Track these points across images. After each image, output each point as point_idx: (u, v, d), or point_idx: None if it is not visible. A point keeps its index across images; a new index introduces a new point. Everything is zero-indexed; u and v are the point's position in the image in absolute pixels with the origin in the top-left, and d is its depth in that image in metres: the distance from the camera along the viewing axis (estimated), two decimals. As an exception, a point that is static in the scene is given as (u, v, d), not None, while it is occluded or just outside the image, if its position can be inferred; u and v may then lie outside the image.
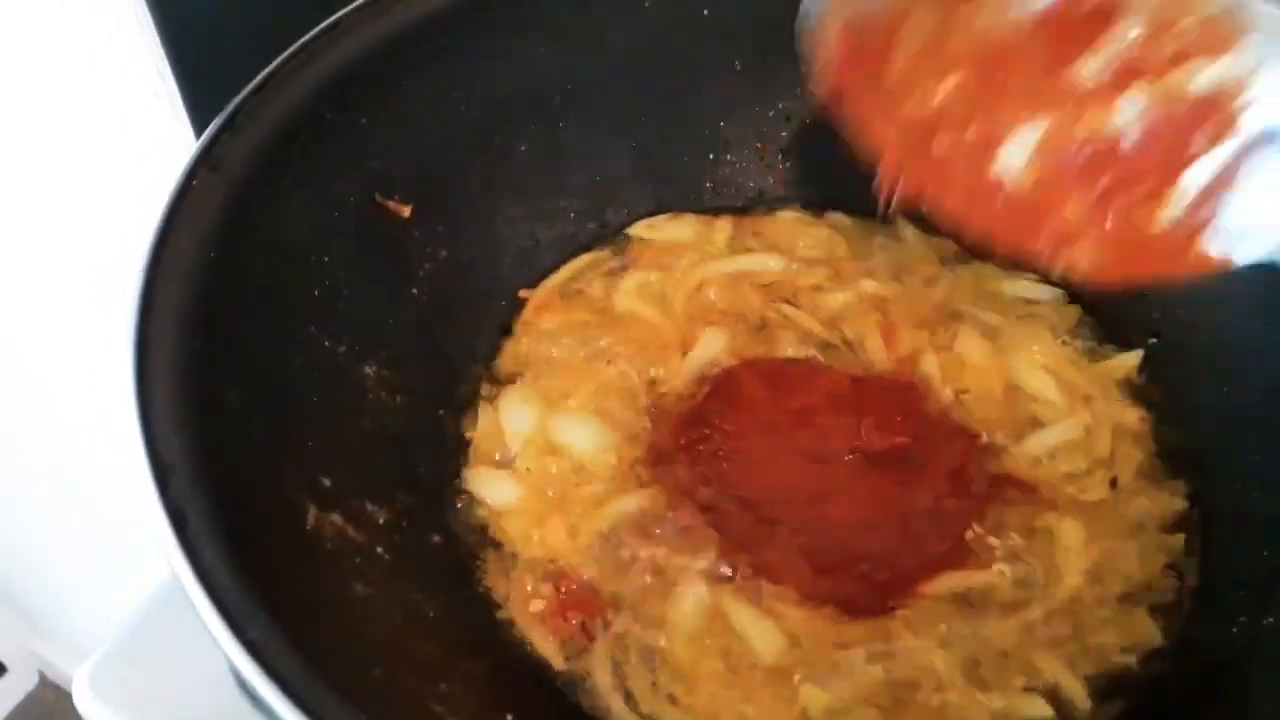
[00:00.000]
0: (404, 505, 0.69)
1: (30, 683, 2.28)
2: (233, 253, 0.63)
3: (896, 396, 0.77)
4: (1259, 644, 0.63)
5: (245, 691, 0.73)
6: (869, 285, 0.85)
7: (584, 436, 0.76)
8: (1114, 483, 0.73)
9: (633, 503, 0.72)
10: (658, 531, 0.72)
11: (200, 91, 0.79)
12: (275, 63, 0.70)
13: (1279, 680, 0.60)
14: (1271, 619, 0.63)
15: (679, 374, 0.80)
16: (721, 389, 0.78)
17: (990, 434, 0.76)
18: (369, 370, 0.72)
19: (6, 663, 2.22)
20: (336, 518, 0.62)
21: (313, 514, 0.60)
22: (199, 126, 0.79)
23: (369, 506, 0.66)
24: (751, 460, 0.74)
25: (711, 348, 0.81)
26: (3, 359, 1.29)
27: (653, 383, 0.80)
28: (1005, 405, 0.77)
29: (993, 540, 0.70)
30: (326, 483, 0.63)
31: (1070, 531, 0.71)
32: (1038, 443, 0.75)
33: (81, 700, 0.75)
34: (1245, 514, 0.70)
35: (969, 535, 0.70)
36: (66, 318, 1.09)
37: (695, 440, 0.75)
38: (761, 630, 0.67)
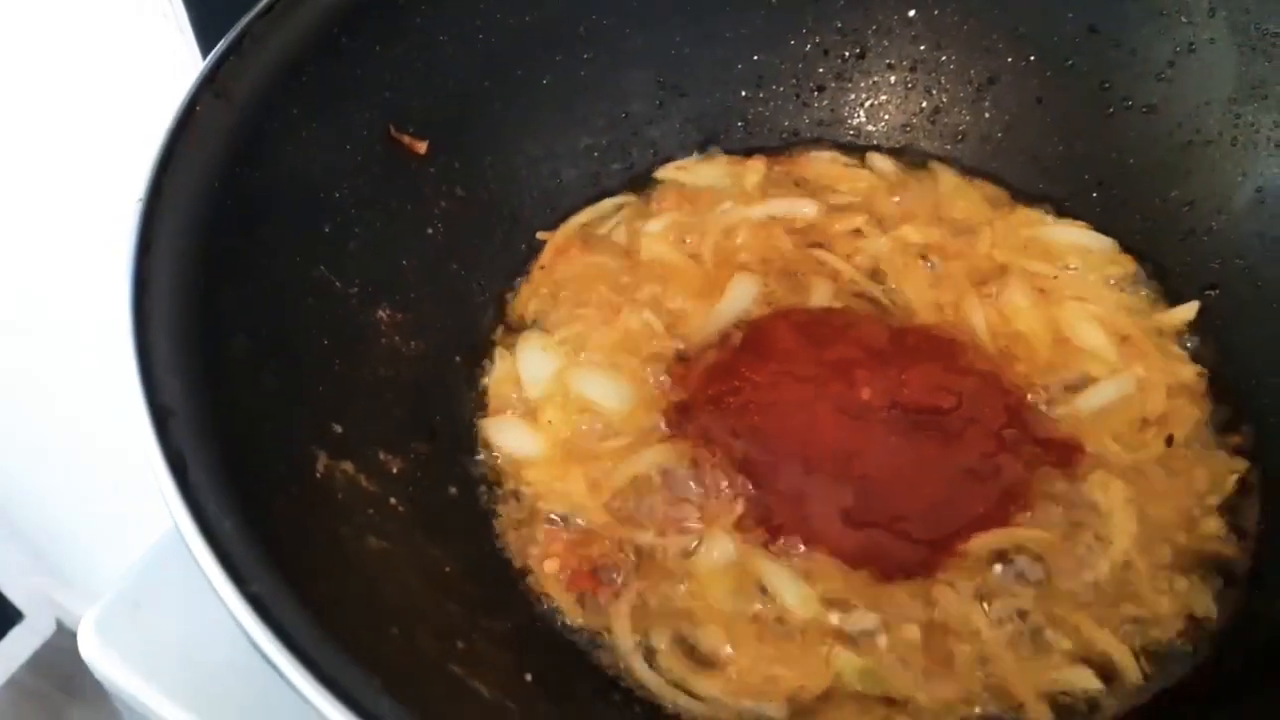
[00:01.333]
0: (419, 455, 0.65)
1: (48, 629, 2.29)
2: (239, 184, 0.59)
3: (940, 350, 0.73)
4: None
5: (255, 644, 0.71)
6: (910, 232, 0.80)
7: (605, 389, 0.73)
8: (1169, 441, 0.69)
9: (657, 456, 0.69)
10: (684, 486, 0.68)
11: (207, 12, 0.75)
12: (284, -17, 0.66)
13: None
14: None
15: (707, 323, 0.76)
16: (753, 339, 0.74)
17: (1039, 389, 0.72)
18: (382, 314, 0.69)
19: (24, 609, 2.23)
20: (348, 466, 0.59)
21: (323, 461, 0.57)
22: (206, 50, 0.75)
23: (382, 455, 0.62)
24: (784, 414, 0.70)
25: (742, 296, 0.77)
26: (15, 297, 1.27)
27: (679, 333, 0.76)
28: (1055, 359, 0.73)
29: (1040, 501, 0.66)
30: (338, 429, 0.60)
31: (1118, 494, 0.67)
32: (1089, 399, 0.71)
33: (87, 648, 0.73)
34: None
35: (1015, 496, 0.66)
36: (74, 250, 1.05)
37: (724, 392, 0.71)
38: (793, 586, 0.64)
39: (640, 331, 0.75)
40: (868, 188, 0.84)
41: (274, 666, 0.41)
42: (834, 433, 0.69)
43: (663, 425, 0.71)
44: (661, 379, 0.73)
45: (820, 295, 0.77)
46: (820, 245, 0.80)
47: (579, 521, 0.67)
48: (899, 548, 0.65)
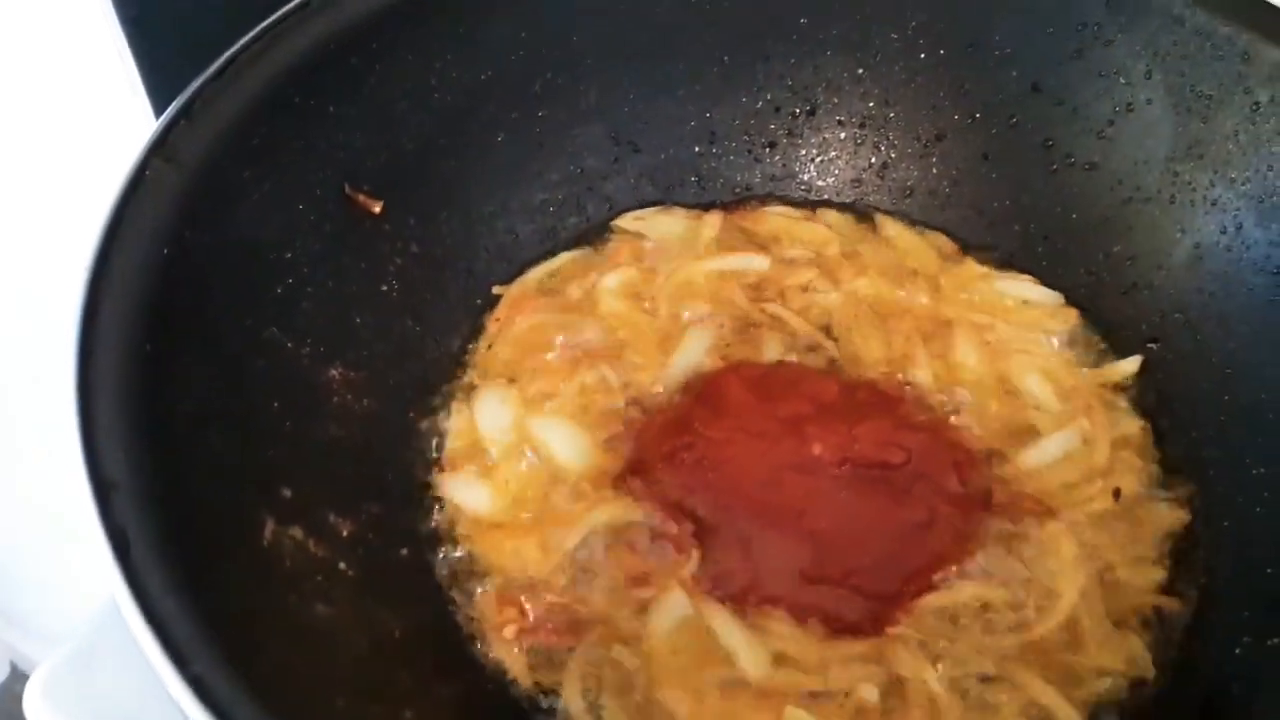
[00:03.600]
0: (370, 516, 0.65)
1: (2, 673, 2.24)
2: (187, 249, 0.59)
3: (889, 405, 0.74)
4: (1263, 666, 0.61)
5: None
6: (862, 286, 0.81)
7: (562, 442, 0.73)
8: (1117, 494, 0.70)
9: (609, 514, 0.69)
10: (635, 544, 0.68)
11: (161, 75, 0.75)
12: (236, 46, 0.66)
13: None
14: (1277, 639, 0.61)
15: (661, 378, 0.77)
16: (705, 395, 0.75)
17: (987, 443, 0.73)
18: (334, 373, 0.69)
19: (-24, 654, 2.18)
20: (297, 531, 0.58)
21: (270, 528, 0.56)
22: (160, 111, 0.75)
23: (332, 518, 0.62)
24: (737, 470, 0.70)
25: (695, 350, 0.78)
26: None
27: (633, 387, 0.76)
28: (1003, 413, 0.75)
29: (990, 553, 0.67)
30: (286, 493, 0.59)
31: (1068, 547, 0.68)
32: (1037, 453, 0.72)
33: (32, 708, 0.72)
34: (1249, 529, 0.67)
35: (962, 550, 0.67)
36: (16, 317, 1.04)
37: (677, 448, 0.71)
38: (748, 645, 0.64)
39: (596, 386, 0.76)
40: (820, 241, 0.86)
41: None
42: (787, 489, 0.70)
43: (617, 481, 0.71)
44: (615, 434, 0.74)
45: (772, 350, 0.78)
46: (772, 299, 0.81)
47: (530, 582, 0.66)
48: (851, 603, 0.65)
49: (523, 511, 0.70)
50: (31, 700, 0.73)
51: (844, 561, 0.67)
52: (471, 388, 0.76)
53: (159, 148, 0.61)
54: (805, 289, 0.81)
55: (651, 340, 0.79)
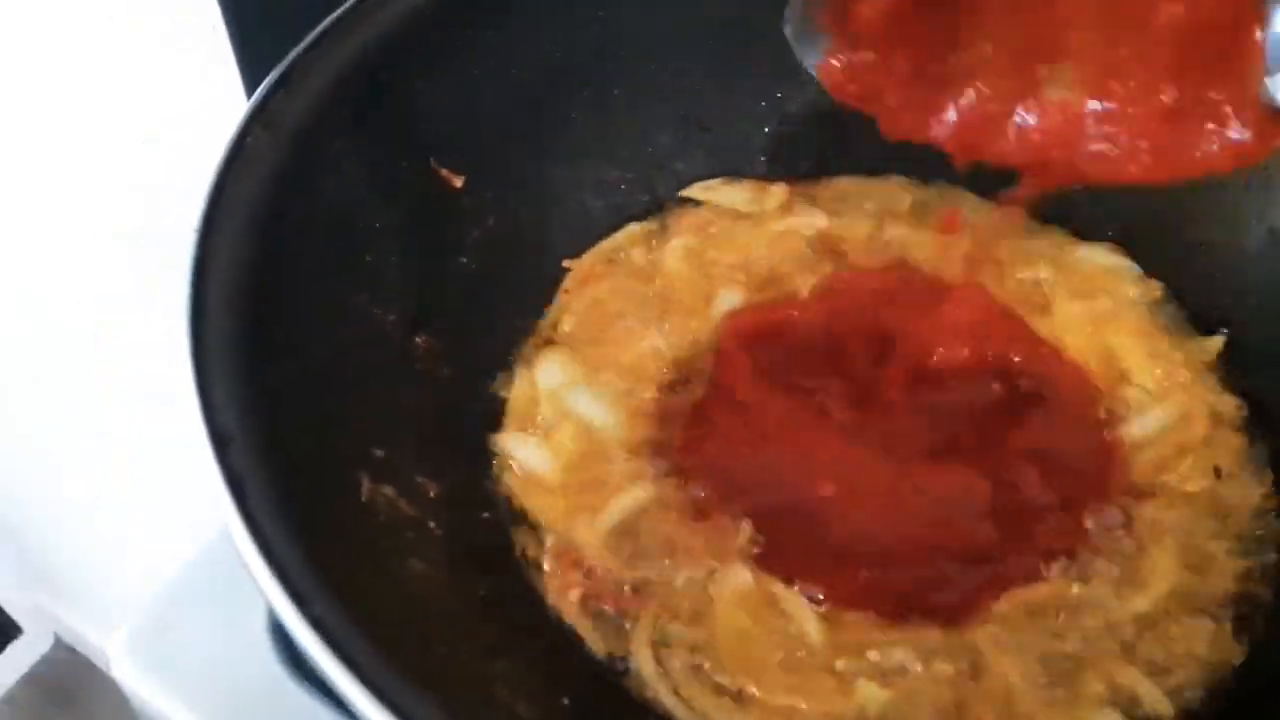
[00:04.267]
0: (454, 479, 0.67)
1: (45, 645, 2.29)
2: (285, 215, 0.61)
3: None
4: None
5: (284, 659, 0.72)
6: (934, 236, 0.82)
7: (601, 413, 0.74)
8: (1218, 472, 0.69)
9: (650, 490, 0.70)
10: (683, 517, 0.69)
11: (254, 47, 0.77)
12: (329, 19, 0.68)
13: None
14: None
15: (704, 336, 0.78)
16: (751, 364, 0.75)
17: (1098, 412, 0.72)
18: (418, 340, 0.70)
19: (22, 624, 2.22)
20: (389, 490, 0.60)
21: (366, 485, 0.58)
22: (251, 84, 0.77)
23: (419, 479, 0.64)
24: (790, 441, 0.71)
25: (729, 298, 0.79)
26: (48, 322, 1.28)
27: (683, 351, 0.77)
28: (1102, 384, 0.74)
29: (1079, 538, 0.67)
30: (379, 453, 0.61)
31: (1162, 533, 0.67)
32: (1138, 426, 0.71)
33: (119, 667, 0.74)
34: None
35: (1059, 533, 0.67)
36: (116, 280, 1.07)
37: (712, 429, 0.72)
38: (814, 616, 0.64)
39: (651, 356, 0.77)
40: (890, 197, 0.86)
41: (335, 688, 0.42)
42: (847, 460, 0.71)
43: (664, 454, 0.72)
44: (662, 405, 0.74)
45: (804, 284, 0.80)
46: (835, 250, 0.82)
47: (583, 551, 0.67)
48: (929, 603, 0.65)
49: (574, 477, 0.71)
50: (118, 658, 0.75)
51: (912, 547, 0.67)
52: (536, 355, 0.78)
53: (259, 115, 0.63)
54: (869, 238, 0.82)
55: (703, 299, 0.80)
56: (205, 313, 0.53)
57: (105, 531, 1.69)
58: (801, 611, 0.65)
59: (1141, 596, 0.64)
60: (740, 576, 0.66)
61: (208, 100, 0.80)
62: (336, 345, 0.63)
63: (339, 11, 0.68)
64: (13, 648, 2.23)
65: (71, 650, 2.28)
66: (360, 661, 0.43)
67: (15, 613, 2.20)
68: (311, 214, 0.63)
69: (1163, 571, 0.65)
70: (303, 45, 0.66)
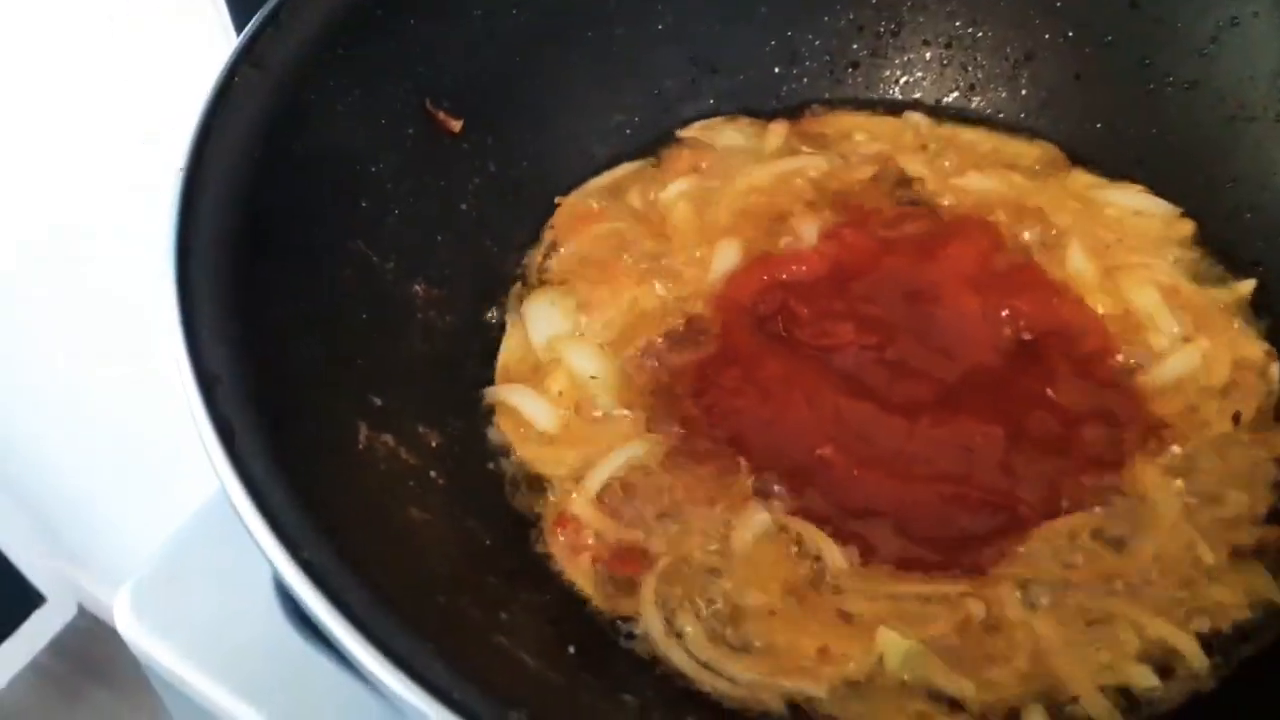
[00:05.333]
0: (455, 429, 0.65)
1: (69, 612, 2.31)
2: (277, 156, 0.59)
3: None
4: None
5: (289, 614, 0.71)
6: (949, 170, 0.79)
7: (598, 363, 0.71)
8: (1237, 418, 0.67)
9: (647, 445, 0.67)
10: (683, 467, 0.66)
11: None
12: (320, -44, 0.66)
13: None
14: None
15: (705, 286, 0.75)
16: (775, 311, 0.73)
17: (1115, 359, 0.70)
18: (418, 288, 0.68)
19: (46, 592, 2.24)
20: (388, 438, 0.58)
21: (364, 433, 0.57)
22: (240, 21, 0.75)
23: (421, 429, 0.62)
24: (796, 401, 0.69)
25: (729, 255, 0.76)
26: (40, 271, 1.26)
27: (683, 297, 0.74)
28: (1121, 329, 0.71)
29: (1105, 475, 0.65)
30: (377, 402, 0.59)
31: (1162, 479, 0.65)
32: (1159, 371, 0.69)
33: (123, 622, 0.73)
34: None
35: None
36: (108, 221, 1.05)
37: (712, 384, 0.70)
38: (837, 549, 0.62)
39: (648, 300, 0.74)
40: (893, 133, 0.83)
41: (328, 633, 0.41)
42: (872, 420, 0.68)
43: (661, 410, 0.69)
44: (665, 353, 0.72)
45: (809, 233, 0.77)
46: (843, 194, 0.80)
47: (583, 505, 0.65)
48: (944, 545, 0.63)
49: (571, 430, 0.69)
50: (122, 613, 0.74)
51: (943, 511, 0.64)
52: (528, 299, 0.75)
53: (247, 54, 0.61)
54: (874, 180, 0.80)
55: (704, 247, 0.77)
56: (190, 251, 0.52)
57: (120, 497, 1.69)
58: (826, 544, 0.63)
59: (1151, 540, 0.62)
60: (759, 517, 0.64)
61: (198, 41, 0.77)
62: (332, 290, 0.61)
63: (331, -52, 0.66)
64: (37, 616, 2.24)
65: (95, 619, 2.30)
66: (354, 606, 0.41)
67: (38, 580, 2.21)
68: (304, 156, 0.61)
69: (1172, 517, 0.63)
70: (293, -19, 0.64)
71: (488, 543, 0.60)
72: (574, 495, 0.65)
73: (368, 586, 0.43)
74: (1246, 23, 0.75)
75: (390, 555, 0.50)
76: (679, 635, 0.60)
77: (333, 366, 0.58)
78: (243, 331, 0.51)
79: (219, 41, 0.72)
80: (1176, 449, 0.66)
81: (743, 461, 0.66)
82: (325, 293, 0.61)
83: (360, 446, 0.56)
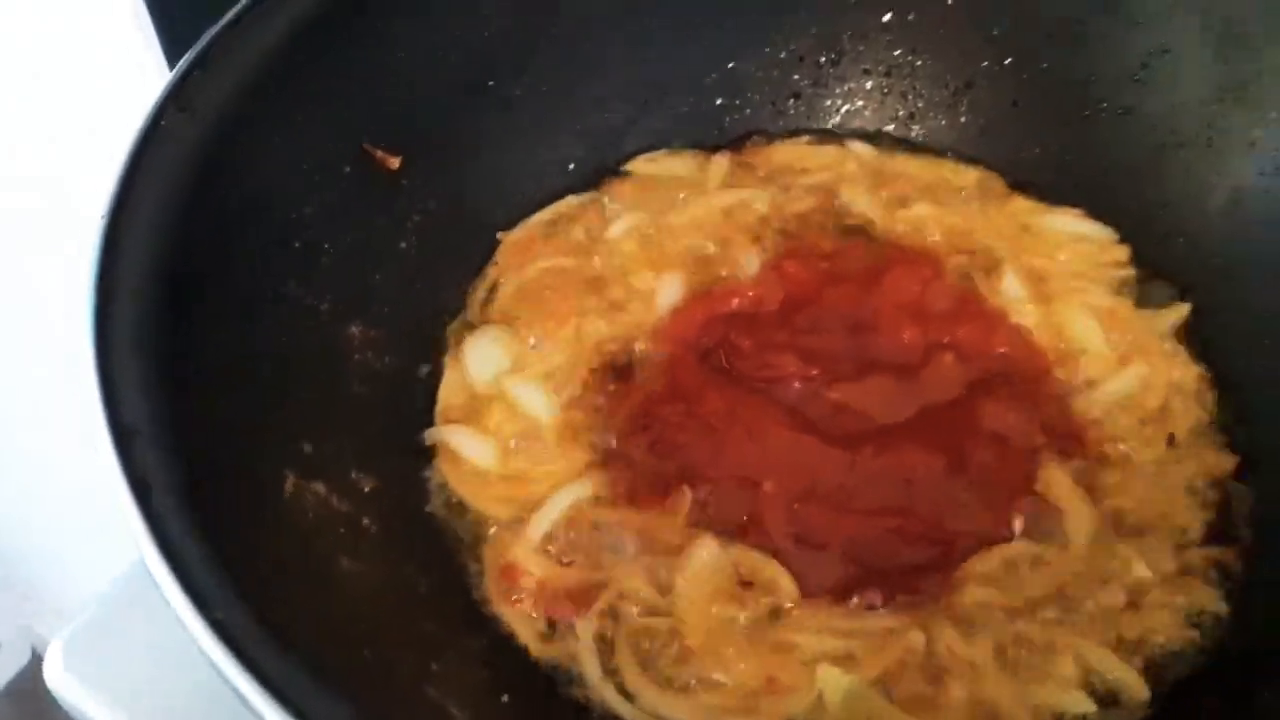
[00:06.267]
0: (393, 472, 0.64)
1: (23, 658, 2.26)
2: (205, 200, 0.58)
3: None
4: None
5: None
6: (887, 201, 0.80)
7: (539, 401, 0.70)
8: (1171, 439, 0.68)
9: (590, 486, 0.67)
10: (625, 508, 0.66)
11: (175, 24, 0.74)
12: (250, -5, 0.65)
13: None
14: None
15: (649, 323, 0.75)
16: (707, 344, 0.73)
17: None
18: (354, 330, 0.68)
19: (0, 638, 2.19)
20: (319, 487, 0.57)
21: (292, 482, 0.55)
22: (174, 62, 0.74)
23: (354, 474, 0.61)
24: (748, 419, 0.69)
25: (671, 291, 0.76)
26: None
27: (626, 333, 0.74)
28: (1058, 355, 0.72)
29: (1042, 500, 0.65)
30: (307, 449, 0.58)
31: (1070, 488, 0.66)
32: (1098, 396, 0.70)
33: (53, 675, 0.71)
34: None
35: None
36: (38, 267, 1.03)
37: (655, 419, 0.70)
38: (786, 574, 0.62)
39: (592, 335, 0.74)
40: (834, 162, 0.84)
41: (239, 695, 0.40)
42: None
43: (603, 448, 0.69)
44: (598, 389, 0.71)
45: (751, 263, 0.77)
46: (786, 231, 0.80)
47: (524, 549, 0.64)
48: (884, 577, 0.63)
49: (512, 470, 0.68)
50: (53, 670, 0.72)
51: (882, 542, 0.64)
52: (469, 336, 0.74)
53: (175, 97, 0.60)
54: (821, 210, 0.80)
55: (648, 281, 0.77)
56: (111, 298, 0.51)
57: (74, 540, 1.66)
58: (777, 570, 0.62)
59: (1082, 562, 0.62)
60: (705, 550, 0.63)
61: (130, 84, 0.76)
62: (262, 335, 0.60)
63: (261, -12, 0.66)
64: (-11, 661, 2.19)
65: (52, 662, 2.25)
66: (265, 667, 0.40)
67: (-9, 625, 2.16)
68: (233, 198, 0.60)
69: (1079, 526, 0.63)
70: (222, 23, 0.63)
71: (423, 589, 0.59)
72: (517, 542, 0.64)
73: (282, 645, 0.42)
74: (1176, 50, 0.76)
75: (315, 609, 0.49)
76: (616, 678, 0.59)
77: (261, 414, 0.57)
78: (164, 381, 0.50)
79: (153, 82, 0.71)
80: (1113, 471, 0.67)
81: (686, 498, 0.66)
82: (255, 338, 0.60)
83: (286, 496, 0.55)
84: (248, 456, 0.53)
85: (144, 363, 0.50)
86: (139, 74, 0.76)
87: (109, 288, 0.51)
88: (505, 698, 0.54)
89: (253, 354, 0.59)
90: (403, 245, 0.73)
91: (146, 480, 0.45)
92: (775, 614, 0.62)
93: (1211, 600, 0.62)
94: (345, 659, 0.47)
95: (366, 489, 0.61)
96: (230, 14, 0.64)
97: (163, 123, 0.59)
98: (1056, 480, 0.66)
